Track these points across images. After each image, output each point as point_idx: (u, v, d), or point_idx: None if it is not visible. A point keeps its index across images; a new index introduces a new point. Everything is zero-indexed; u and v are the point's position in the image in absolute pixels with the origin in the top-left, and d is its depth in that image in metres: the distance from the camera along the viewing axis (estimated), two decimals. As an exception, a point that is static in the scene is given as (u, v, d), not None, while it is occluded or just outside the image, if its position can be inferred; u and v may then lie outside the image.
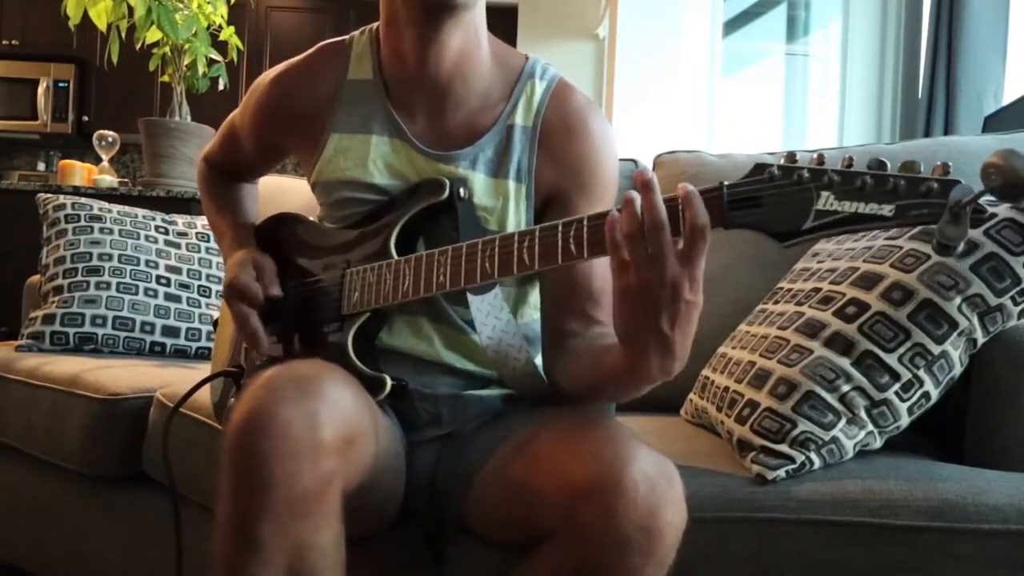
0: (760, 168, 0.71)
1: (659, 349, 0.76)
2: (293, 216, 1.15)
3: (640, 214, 0.73)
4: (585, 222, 0.80)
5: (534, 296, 1.07)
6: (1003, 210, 1.02)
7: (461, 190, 0.98)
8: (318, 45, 1.10)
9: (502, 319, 0.97)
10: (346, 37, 1.09)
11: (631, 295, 0.74)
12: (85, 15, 2.68)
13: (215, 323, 1.26)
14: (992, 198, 0.63)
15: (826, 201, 0.68)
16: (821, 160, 0.69)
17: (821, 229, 0.69)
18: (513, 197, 1.01)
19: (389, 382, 0.94)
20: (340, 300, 1.00)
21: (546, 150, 1.01)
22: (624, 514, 0.74)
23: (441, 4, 0.93)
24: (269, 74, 1.12)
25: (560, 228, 0.81)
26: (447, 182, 0.97)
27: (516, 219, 1.01)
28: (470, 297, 0.95)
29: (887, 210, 0.66)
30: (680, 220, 0.72)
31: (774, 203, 0.70)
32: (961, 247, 0.66)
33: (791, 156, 0.70)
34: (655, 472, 0.76)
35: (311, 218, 1.13)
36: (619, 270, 0.75)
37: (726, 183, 0.72)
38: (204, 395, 1.20)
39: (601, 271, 0.99)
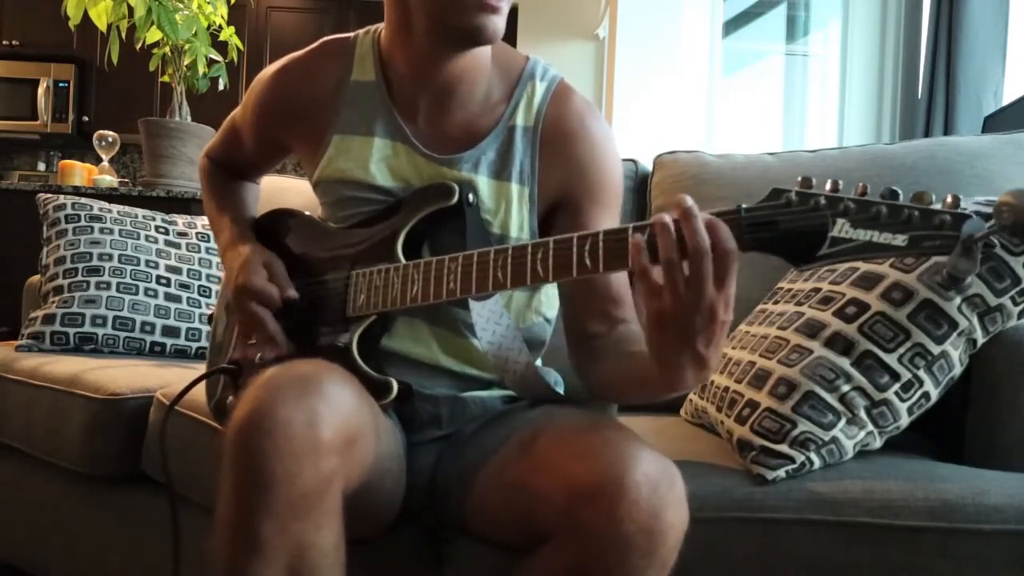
0: (777, 193, 0.72)
1: (695, 366, 0.75)
2: (293, 212, 1.14)
3: (677, 240, 0.72)
4: (601, 237, 0.79)
5: (536, 301, 1.07)
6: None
7: (470, 196, 0.98)
8: (321, 40, 1.09)
9: (502, 324, 0.97)
10: (350, 35, 1.08)
11: (666, 319, 0.74)
12: (85, 15, 2.68)
13: (210, 319, 1.26)
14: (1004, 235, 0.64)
15: (841, 228, 0.69)
16: (836, 186, 0.70)
17: (835, 256, 0.69)
18: (516, 200, 1.01)
19: (396, 386, 0.94)
20: (345, 302, 1.00)
21: (548, 153, 1.01)
22: (626, 516, 0.73)
23: (476, 40, 0.94)
24: (271, 68, 1.12)
25: (575, 241, 0.81)
26: (456, 187, 0.97)
27: (519, 221, 1.01)
28: (471, 302, 0.95)
29: (900, 240, 0.67)
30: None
31: (790, 228, 0.71)
32: (970, 280, 0.67)
33: (806, 181, 0.71)
34: (657, 473, 0.76)
35: (309, 214, 1.13)
36: (651, 294, 0.74)
37: (744, 206, 0.73)
38: (203, 395, 1.20)
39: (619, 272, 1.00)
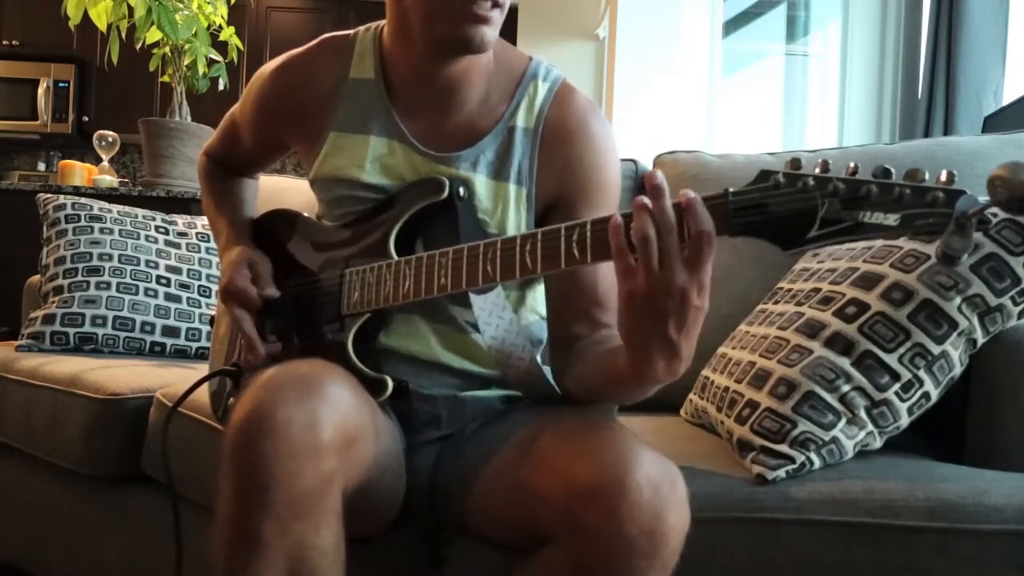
0: (765, 175, 0.70)
1: (665, 353, 0.75)
2: (290, 212, 1.15)
3: (651, 217, 0.72)
4: (588, 226, 0.79)
5: (531, 298, 1.07)
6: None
7: (461, 189, 0.98)
8: (321, 38, 1.09)
9: (505, 318, 0.97)
10: (350, 32, 1.08)
11: (638, 301, 0.74)
12: (85, 15, 2.69)
13: (212, 321, 1.26)
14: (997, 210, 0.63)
15: (831, 209, 0.67)
16: (826, 166, 0.69)
17: (826, 238, 0.68)
18: (513, 200, 1.01)
19: (391, 383, 0.94)
20: (339, 300, 1.00)
21: (548, 154, 1.01)
22: (628, 517, 0.73)
23: (464, 50, 0.95)
24: (270, 65, 1.12)
25: (563, 231, 0.81)
26: (446, 181, 0.97)
27: (516, 222, 1.01)
28: (472, 297, 0.95)
29: (892, 219, 0.66)
30: (684, 226, 0.72)
31: (779, 211, 0.69)
32: (965, 258, 0.65)
33: (795, 162, 0.70)
34: (659, 475, 0.76)
35: (307, 215, 1.13)
36: (625, 275, 0.74)
37: (731, 190, 0.72)
38: (204, 395, 1.20)
39: (606, 274, 0.99)
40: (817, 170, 0.69)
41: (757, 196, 0.70)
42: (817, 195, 0.68)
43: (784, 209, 0.69)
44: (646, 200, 0.73)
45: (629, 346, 0.78)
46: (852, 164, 0.68)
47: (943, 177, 0.65)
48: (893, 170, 0.67)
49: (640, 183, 1.66)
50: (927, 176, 0.66)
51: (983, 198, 0.64)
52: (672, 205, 0.73)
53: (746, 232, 0.71)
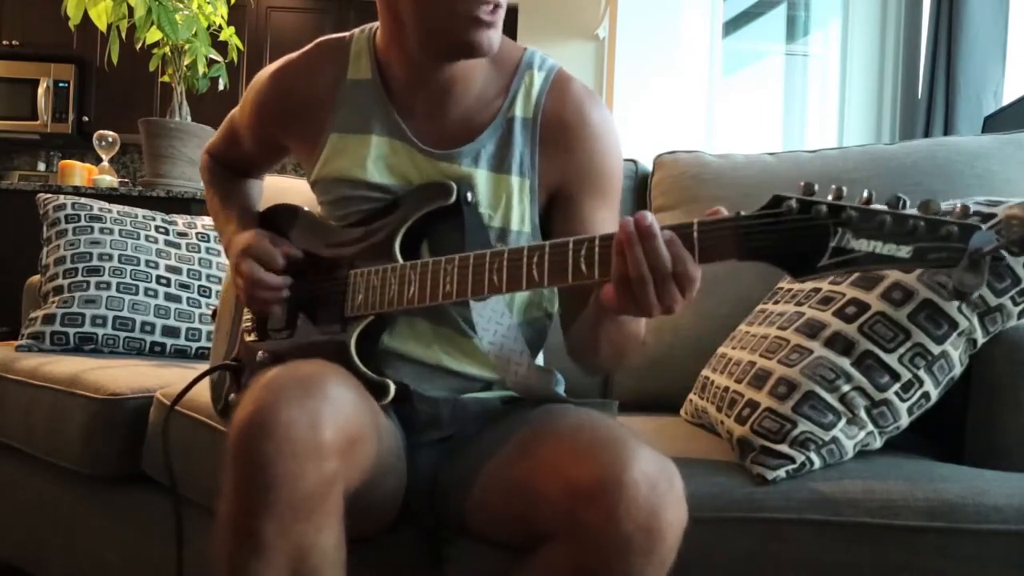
0: (778, 200, 0.70)
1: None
2: (295, 208, 1.14)
3: (641, 259, 0.74)
4: (597, 242, 0.79)
5: (539, 295, 1.07)
6: (1002, 210, 1.02)
7: (468, 194, 0.98)
8: (317, 41, 1.10)
9: (503, 324, 0.97)
10: (346, 34, 1.08)
11: (631, 310, 0.77)
12: (85, 15, 2.68)
13: (214, 314, 1.26)
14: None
15: (843, 239, 0.67)
16: (839, 194, 0.68)
17: (836, 267, 0.68)
18: (516, 193, 1.00)
19: (393, 388, 0.94)
20: (344, 301, 1.00)
21: (547, 143, 1.01)
22: (625, 514, 0.74)
23: (471, 55, 0.95)
24: (268, 69, 1.12)
25: (571, 246, 0.81)
26: (454, 186, 0.97)
27: (520, 214, 1.01)
28: (472, 303, 0.95)
29: (905, 252, 0.65)
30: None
31: (790, 237, 0.69)
32: (976, 295, 0.65)
33: (808, 188, 0.69)
34: (656, 472, 0.76)
35: (307, 209, 1.12)
36: (620, 290, 0.77)
37: (743, 213, 0.71)
38: (205, 395, 1.20)
39: None
40: (830, 197, 0.68)
41: (769, 221, 0.70)
42: (829, 223, 0.67)
43: (795, 237, 0.68)
44: (634, 240, 0.74)
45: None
46: (866, 193, 0.67)
47: (957, 209, 0.65)
48: (907, 200, 0.66)
49: (643, 181, 1.65)
50: (941, 207, 0.65)
51: (982, 209, 0.64)
52: (677, 227, 0.75)
53: (755, 257, 0.71)
